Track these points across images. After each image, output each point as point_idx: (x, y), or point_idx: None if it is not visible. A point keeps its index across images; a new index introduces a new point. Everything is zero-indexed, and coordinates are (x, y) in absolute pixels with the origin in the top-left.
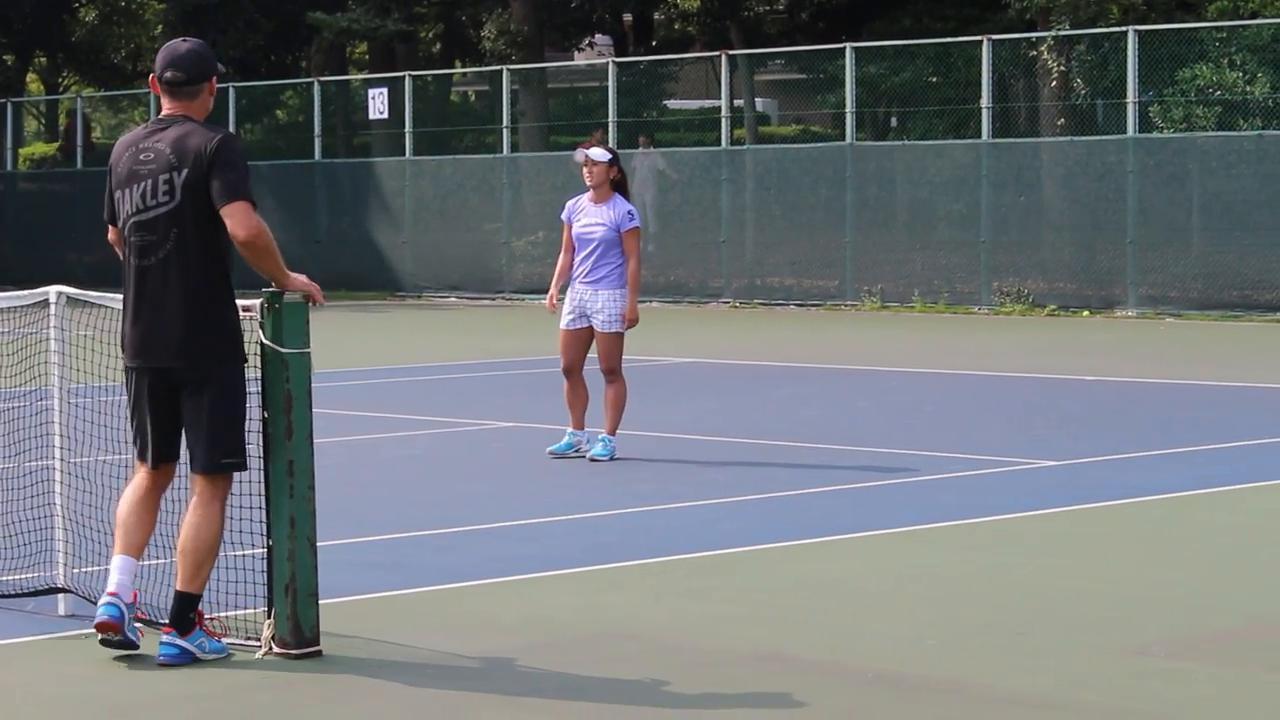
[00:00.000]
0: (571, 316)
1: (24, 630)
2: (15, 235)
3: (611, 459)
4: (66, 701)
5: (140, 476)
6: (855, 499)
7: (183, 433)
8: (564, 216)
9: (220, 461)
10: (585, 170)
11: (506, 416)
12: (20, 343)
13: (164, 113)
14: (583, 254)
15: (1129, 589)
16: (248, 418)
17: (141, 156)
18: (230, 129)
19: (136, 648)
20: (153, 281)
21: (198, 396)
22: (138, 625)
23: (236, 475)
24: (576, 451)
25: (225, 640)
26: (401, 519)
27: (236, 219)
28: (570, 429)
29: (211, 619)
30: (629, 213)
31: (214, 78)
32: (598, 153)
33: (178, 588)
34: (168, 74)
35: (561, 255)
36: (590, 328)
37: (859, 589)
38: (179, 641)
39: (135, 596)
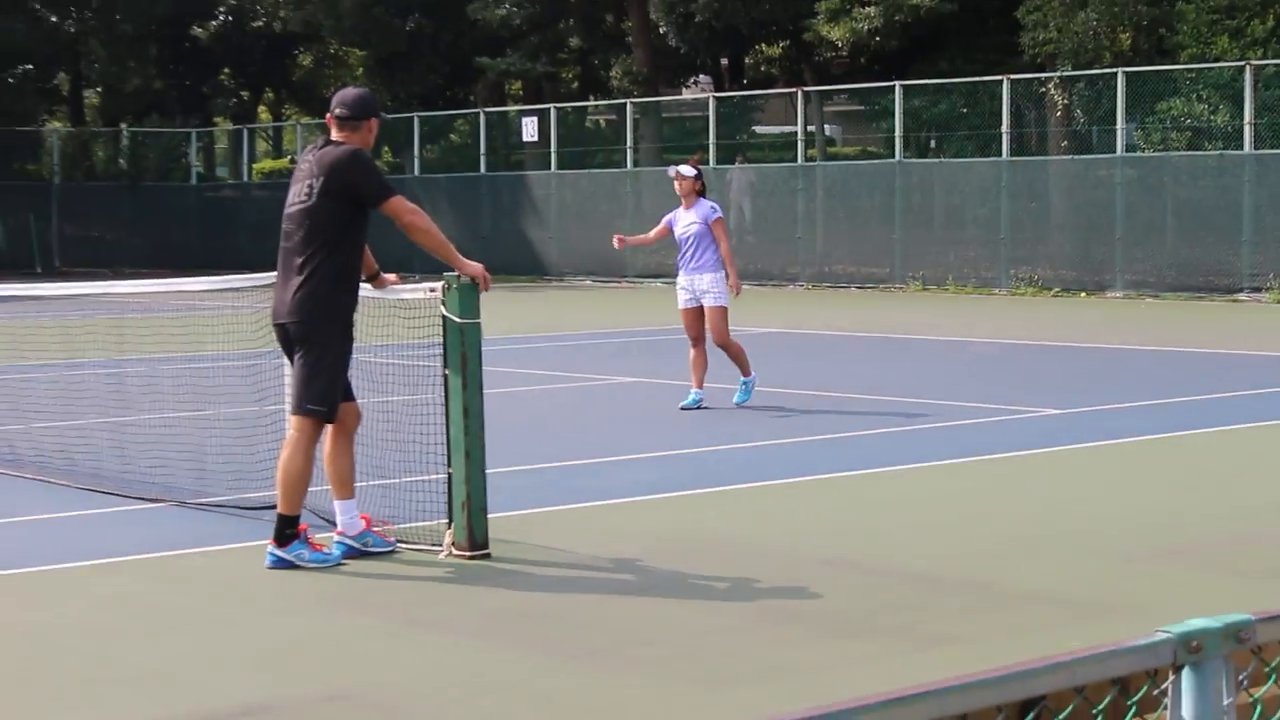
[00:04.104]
0: (686, 298)
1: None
2: (251, 231)
3: (749, 397)
4: (290, 582)
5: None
6: (899, 439)
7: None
8: (666, 219)
9: (305, 406)
10: (676, 183)
11: (630, 374)
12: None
13: (331, 138)
14: (686, 249)
15: (1119, 508)
16: (338, 378)
17: (302, 165)
18: (415, 150)
19: (394, 550)
20: (286, 259)
21: (299, 350)
22: (376, 531)
23: (413, 421)
24: (699, 406)
25: (328, 551)
26: (549, 452)
27: (396, 210)
28: (694, 388)
29: (374, 526)
30: (711, 207)
31: (374, 119)
32: (686, 169)
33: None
34: (337, 110)
35: (649, 232)
36: (701, 305)
37: (904, 509)
38: (276, 551)
39: (367, 519)
